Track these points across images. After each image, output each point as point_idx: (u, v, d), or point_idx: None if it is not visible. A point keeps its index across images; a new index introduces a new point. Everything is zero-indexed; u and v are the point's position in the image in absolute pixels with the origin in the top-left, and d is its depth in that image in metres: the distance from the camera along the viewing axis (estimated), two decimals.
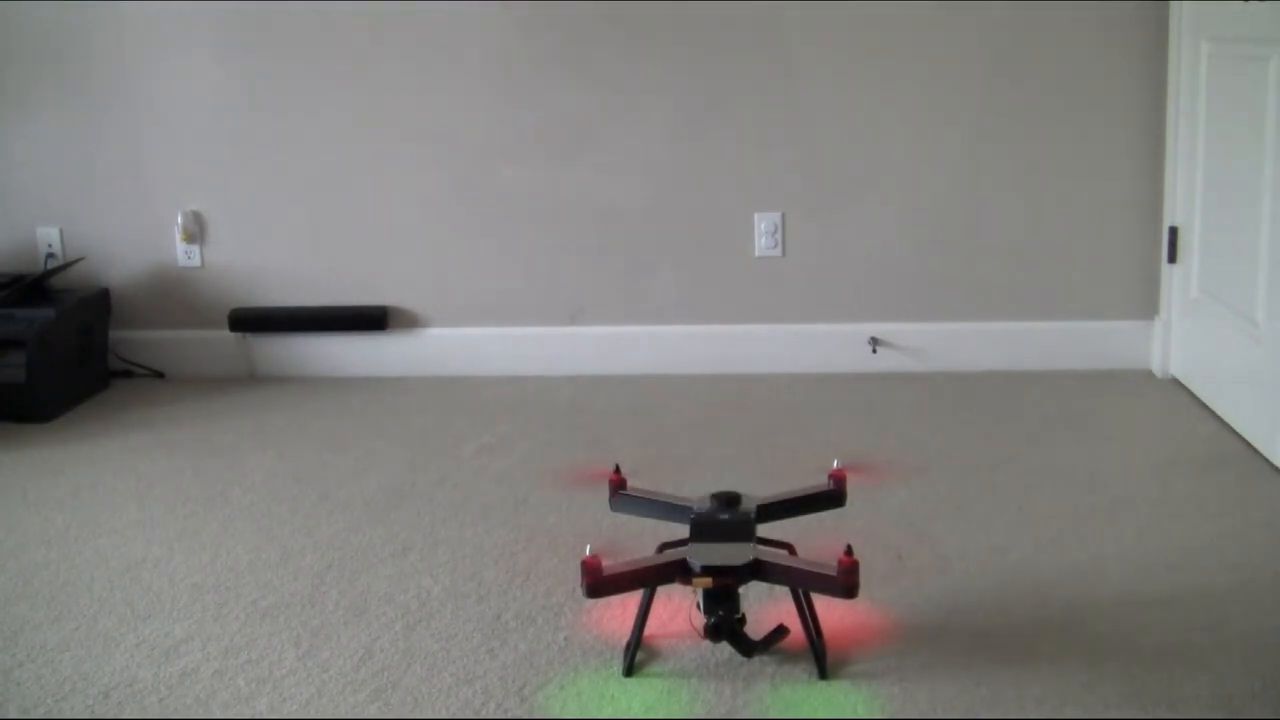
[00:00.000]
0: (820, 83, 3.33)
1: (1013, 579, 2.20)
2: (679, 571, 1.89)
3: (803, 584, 1.93)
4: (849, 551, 1.87)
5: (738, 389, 3.36)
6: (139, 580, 2.34)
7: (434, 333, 3.60)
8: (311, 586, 2.28)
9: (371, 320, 3.57)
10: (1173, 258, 3.23)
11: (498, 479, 2.78)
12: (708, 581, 1.86)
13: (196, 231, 3.60)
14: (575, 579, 2.25)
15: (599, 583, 1.89)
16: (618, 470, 2.21)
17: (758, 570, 1.89)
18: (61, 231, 3.66)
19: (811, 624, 1.94)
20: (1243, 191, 2.79)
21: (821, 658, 1.92)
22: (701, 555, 1.89)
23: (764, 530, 2.03)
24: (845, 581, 1.86)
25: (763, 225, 3.41)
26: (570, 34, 3.36)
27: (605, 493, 2.22)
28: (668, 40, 3.34)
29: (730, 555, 1.89)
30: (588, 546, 1.93)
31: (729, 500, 2.04)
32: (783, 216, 3.41)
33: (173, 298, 3.66)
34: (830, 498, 2.14)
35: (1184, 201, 3.15)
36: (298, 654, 2.04)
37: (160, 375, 3.69)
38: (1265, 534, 2.35)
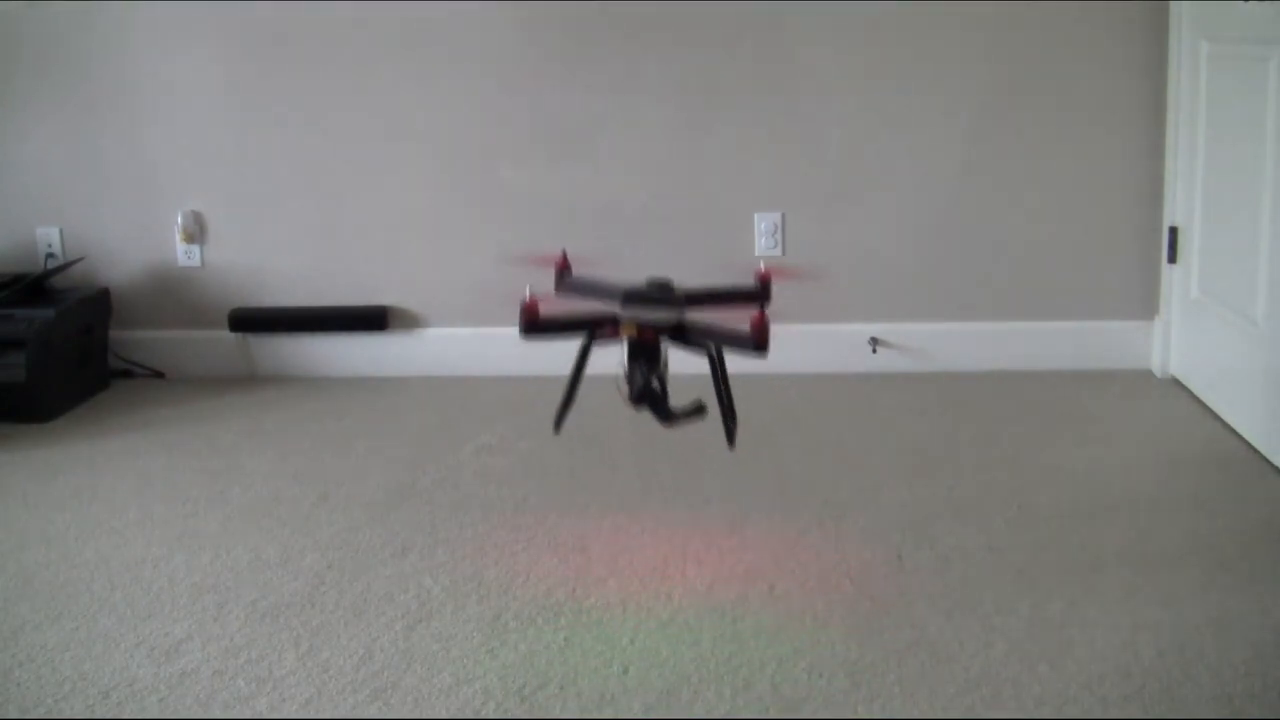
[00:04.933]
0: (820, 83, 3.33)
1: (1013, 579, 2.20)
2: (609, 322, 2.04)
3: (719, 340, 2.06)
4: (763, 309, 2.02)
5: (738, 389, 3.34)
6: (139, 580, 2.34)
7: (434, 333, 3.60)
8: (311, 586, 2.28)
9: (371, 320, 3.57)
10: (1173, 258, 3.23)
11: (498, 479, 2.78)
12: (633, 328, 2.01)
13: (196, 231, 3.60)
14: (575, 579, 2.26)
15: (535, 323, 2.05)
16: (564, 256, 2.30)
17: (680, 331, 2.03)
18: (61, 231, 3.66)
19: (725, 395, 2.07)
20: (1243, 191, 2.79)
21: (731, 427, 2.07)
22: (632, 314, 2.05)
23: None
24: (757, 338, 2.00)
25: (763, 225, 3.41)
26: (570, 34, 3.36)
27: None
28: (668, 40, 3.34)
29: (657, 316, 2.05)
30: (527, 289, 2.05)
31: (661, 284, 2.19)
32: (783, 216, 3.41)
33: (173, 298, 3.66)
34: (755, 295, 2.23)
35: (1184, 201, 3.15)
36: (298, 654, 2.04)
37: (160, 375, 3.69)
38: (1265, 534, 2.35)
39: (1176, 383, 3.24)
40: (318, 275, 3.59)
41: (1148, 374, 3.33)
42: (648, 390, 2.02)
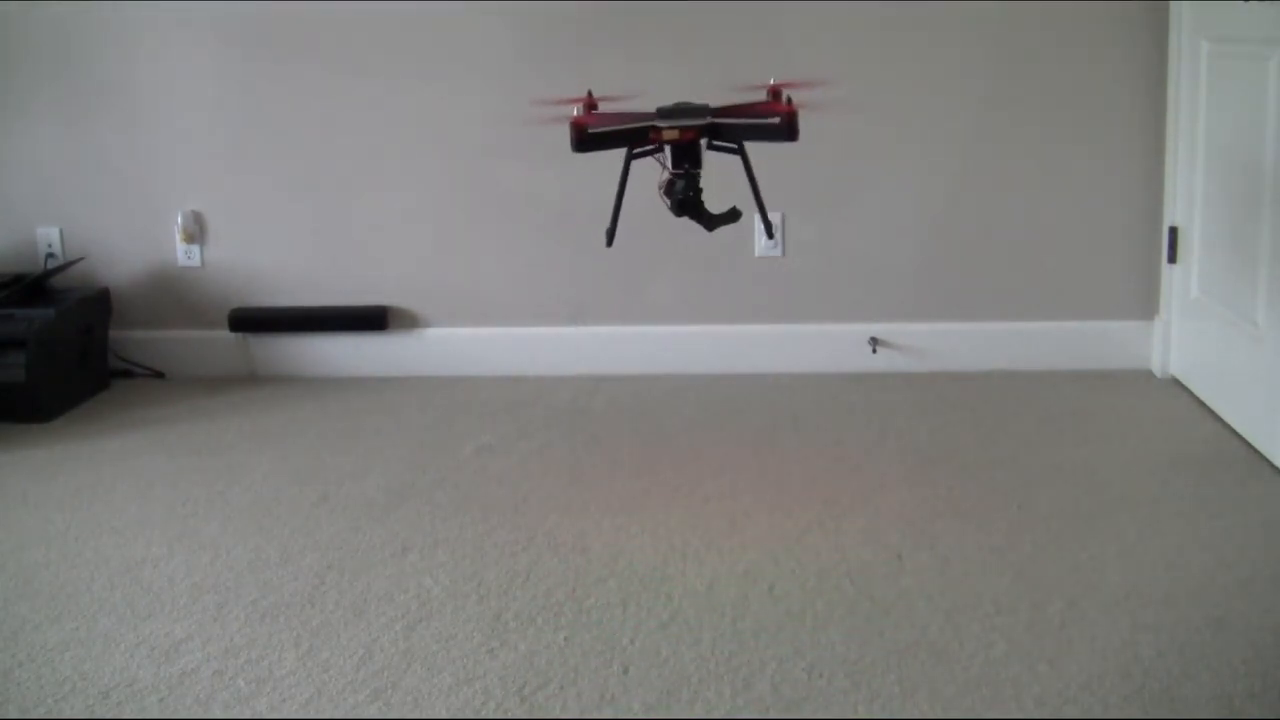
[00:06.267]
0: (820, 81, 3.33)
1: (1013, 579, 2.20)
2: (651, 130, 2.23)
3: (752, 132, 2.23)
4: (789, 101, 2.22)
5: (738, 389, 3.36)
6: (139, 580, 2.34)
7: (434, 333, 3.60)
8: (311, 586, 2.28)
9: (371, 320, 3.57)
10: (1173, 258, 3.23)
11: (498, 479, 2.78)
12: (675, 131, 2.21)
13: (196, 231, 3.60)
14: (575, 579, 2.26)
15: (584, 138, 2.24)
16: (590, 95, 2.41)
17: (715, 130, 2.24)
18: (61, 231, 3.66)
19: (756, 190, 2.28)
20: (1243, 191, 2.79)
21: (766, 218, 2.31)
22: (668, 121, 2.25)
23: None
24: (788, 125, 2.20)
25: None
26: (570, 34, 3.36)
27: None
28: (666, 41, 3.34)
29: (692, 119, 2.25)
30: (574, 108, 2.25)
31: (688, 102, 2.33)
32: (783, 216, 3.41)
33: (173, 298, 3.66)
34: (771, 104, 2.36)
35: (1184, 201, 3.15)
36: (298, 654, 2.04)
37: (160, 375, 3.69)
38: (1265, 534, 2.35)
39: (1176, 383, 3.24)
40: (318, 275, 3.59)
41: (1148, 374, 3.33)
42: (688, 200, 2.23)
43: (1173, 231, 3.21)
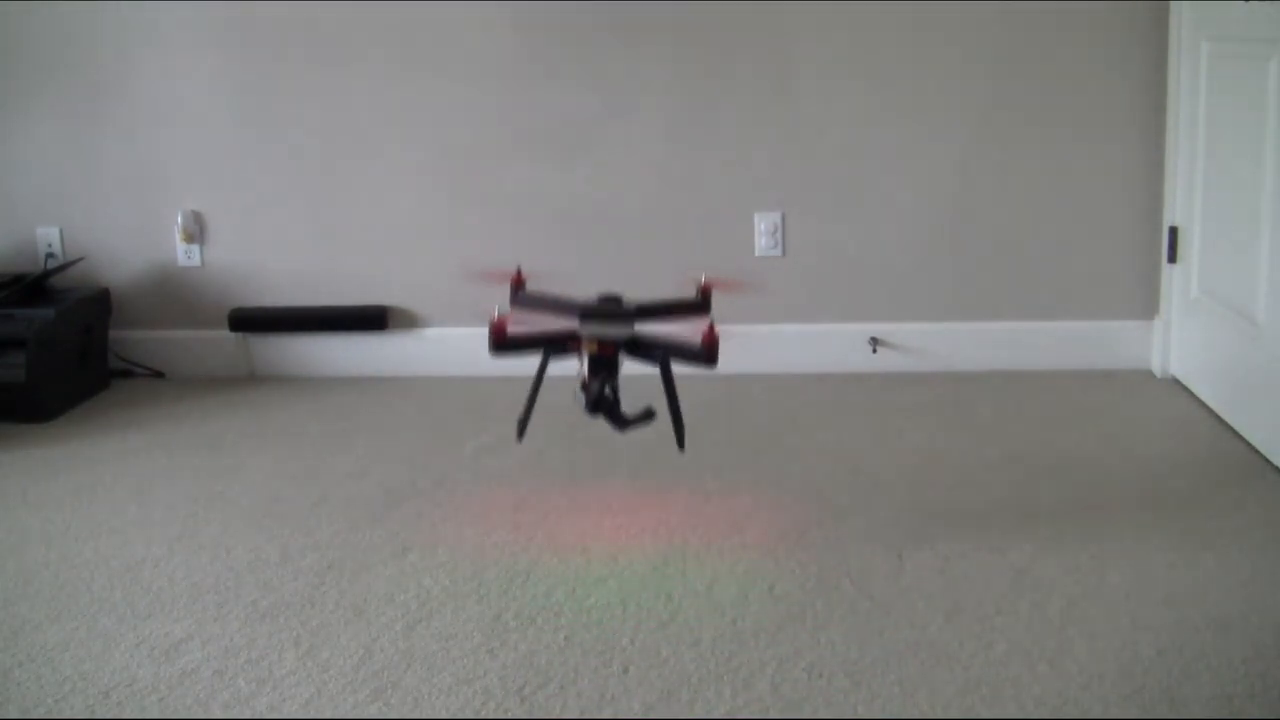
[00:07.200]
0: (820, 82, 3.33)
1: (1012, 579, 2.20)
2: (571, 339, 2.24)
3: (673, 354, 2.23)
4: (712, 328, 2.22)
5: (738, 389, 3.36)
6: (139, 580, 2.34)
7: (434, 333, 3.60)
8: (311, 586, 2.28)
9: (371, 320, 3.57)
10: (1173, 258, 3.23)
11: (498, 479, 2.78)
12: (594, 344, 2.19)
13: (196, 231, 3.60)
14: (575, 579, 2.26)
15: (503, 342, 2.27)
16: (519, 273, 2.43)
17: (635, 345, 2.24)
18: (61, 231, 3.66)
19: (673, 400, 2.27)
20: (1243, 191, 2.79)
21: (680, 431, 2.30)
22: (590, 330, 2.24)
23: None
24: (708, 351, 2.22)
25: (763, 225, 3.41)
26: (569, 34, 3.36)
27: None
28: (667, 40, 3.34)
29: (613, 331, 2.24)
30: (495, 309, 2.27)
31: (613, 299, 2.34)
32: (783, 216, 3.41)
33: (173, 298, 3.66)
34: (699, 306, 2.39)
35: (1184, 201, 3.15)
36: (298, 654, 2.04)
37: (160, 375, 3.69)
38: (1265, 534, 2.35)
39: (1176, 383, 3.24)
40: (318, 275, 3.59)
41: (1148, 374, 3.33)
42: (602, 399, 2.21)
43: (1173, 231, 3.21)
